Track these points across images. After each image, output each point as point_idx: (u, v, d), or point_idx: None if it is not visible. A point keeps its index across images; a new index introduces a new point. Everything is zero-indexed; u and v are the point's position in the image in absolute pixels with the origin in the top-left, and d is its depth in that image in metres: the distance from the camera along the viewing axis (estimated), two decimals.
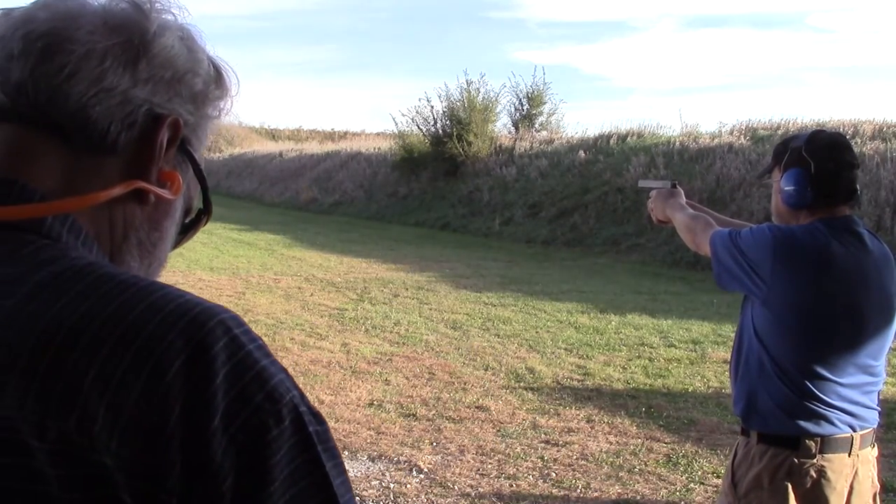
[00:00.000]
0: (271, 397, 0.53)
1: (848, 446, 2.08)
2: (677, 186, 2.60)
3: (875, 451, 2.19)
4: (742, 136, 15.87)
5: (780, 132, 15.52)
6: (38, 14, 0.62)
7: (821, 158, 2.07)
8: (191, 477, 0.50)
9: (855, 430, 2.09)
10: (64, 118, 0.60)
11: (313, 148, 30.73)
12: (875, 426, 2.16)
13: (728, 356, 7.30)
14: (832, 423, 2.06)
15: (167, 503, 0.49)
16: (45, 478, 0.48)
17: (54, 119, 0.60)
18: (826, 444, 2.06)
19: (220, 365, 0.52)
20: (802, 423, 2.05)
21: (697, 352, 6.87)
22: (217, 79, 0.69)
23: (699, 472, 4.26)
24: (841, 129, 13.56)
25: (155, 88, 0.64)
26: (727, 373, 6.03)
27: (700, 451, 4.55)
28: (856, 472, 2.10)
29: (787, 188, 2.11)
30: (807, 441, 2.06)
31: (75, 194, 0.60)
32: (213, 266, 11.65)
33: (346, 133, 42.41)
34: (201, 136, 0.69)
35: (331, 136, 41.17)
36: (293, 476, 0.53)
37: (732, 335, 7.72)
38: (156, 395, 0.50)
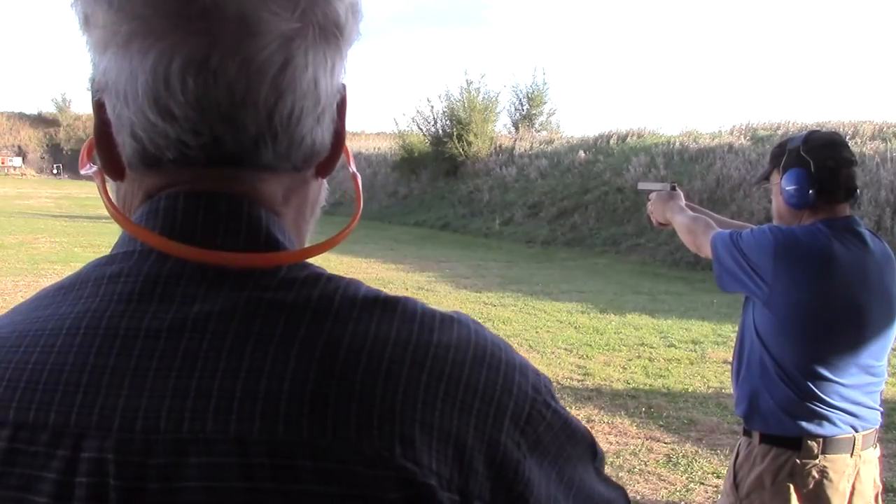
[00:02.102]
0: (536, 388, 0.57)
1: (850, 447, 2.07)
2: (677, 188, 2.59)
3: (877, 452, 2.19)
4: (742, 136, 15.89)
5: (780, 132, 15.53)
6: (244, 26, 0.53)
7: (819, 157, 2.07)
8: (496, 479, 0.52)
9: (857, 431, 2.08)
10: (299, 160, 0.57)
11: None
12: (877, 426, 2.16)
13: (728, 356, 7.30)
14: (834, 424, 2.05)
15: None
16: (391, 503, 0.48)
17: (293, 163, 0.57)
18: (828, 444, 2.06)
19: (494, 372, 0.54)
20: (804, 423, 2.05)
21: (697, 352, 6.87)
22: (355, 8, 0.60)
23: (699, 472, 4.26)
24: (841, 130, 13.57)
25: (342, 64, 0.59)
26: (727, 373, 6.06)
27: (700, 451, 4.55)
28: (858, 473, 2.10)
29: (788, 188, 2.10)
30: (809, 442, 2.05)
31: (294, 209, 0.59)
32: None
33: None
34: None
35: None
36: (569, 438, 0.58)
37: (732, 335, 7.73)
38: (455, 410, 0.51)
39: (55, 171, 44.73)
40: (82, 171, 0.64)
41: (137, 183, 0.57)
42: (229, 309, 0.52)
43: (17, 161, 45.14)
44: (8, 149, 46.80)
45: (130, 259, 0.55)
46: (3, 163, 44.18)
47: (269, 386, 0.49)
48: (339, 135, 0.60)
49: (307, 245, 0.62)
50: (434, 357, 0.53)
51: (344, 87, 0.59)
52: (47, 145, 48.10)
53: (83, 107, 48.52)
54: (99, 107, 0.55)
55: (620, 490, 0.65)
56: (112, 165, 0.57)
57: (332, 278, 0.56)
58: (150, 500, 0.48)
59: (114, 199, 0.59)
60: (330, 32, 0.55)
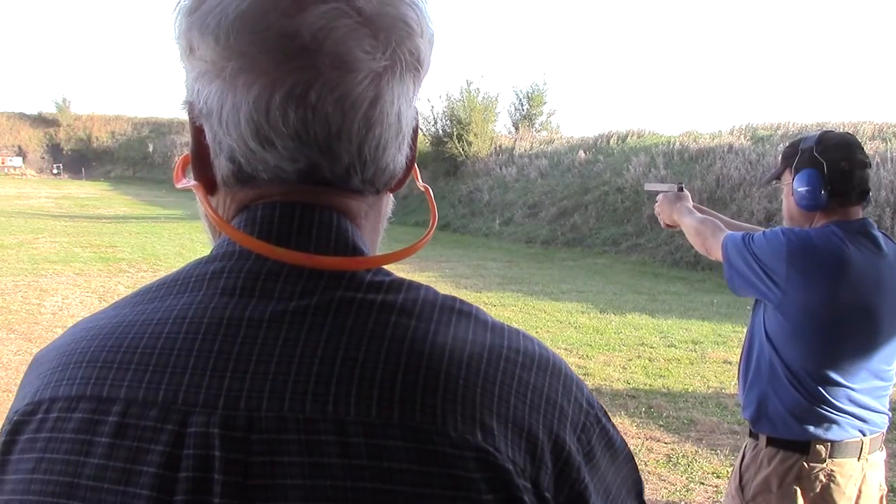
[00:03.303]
0: (590, 402, 0.62)
1: (858, 451, 2.06)
2: (684, 189, 2.56)
3: (884, 455, 2.18)
4: (742, 136, 15.88)
5: (780, 132, 15.53)
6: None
7: (833, 158, 2.04)
8: (559, 476, 0.57)
9: (865, 435, 2.07)
10: (381, 185, 0.63)
11: None
12: (884, 430, 2.15)
13: (728, 356, 7.31)
14: (843, 428, 2.04)
15: (549, 500, 0.56)
16: (475, 482, 0.53)
17: (376, 187, 0.63)
18: (836, 448, 2.04)
19: (557, 381, 0.60)
20: (813, 428, 2.04)
21: (697, 352, 6.87)
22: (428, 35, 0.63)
23: (699, 472, 4.26)
24: (840, 130, 13.55)
25: (418, 92, 0.63)
26: (727, 373, 6.08)
27: (700, 451, 4.55)
28: (864, 476, 2.09)
29: (800, 189, 2.07)
30: (817, 446, 2.04)
31: (371, 222, 0.65)
32: None
33: None
34: None
35: None
36: (605, 450, 0.62)
37: (732, 335, 7.72)
38: (526, 408, 0.57)
39: (55, 171, 44.70)
40: (178, 186, 0.69)
41: (231, 196, 0.62)
42: (325, 305, 0.57)
43: (17, 161, 45.11)
44: (8, 149, 46.75)
45: (231, 258, 0.60)
46: (3, 163, 44.14)
47: (362, 373, 0.55)
48: (412, 156, 0.65)
49: (379, 252, 0.68)
50: (506, 359, 0.58)
51: (417, 111, 0.65)
52: (47, 145, 48.05)
53: (83, 107, 48.55)
54: (198, 131, 0.61)
55: None
56: (207, 182, 0.62)
57: (412, 284, 0.62)
58: (254, 473, 0.52)
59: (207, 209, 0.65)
60: (413, 67, 0.61)
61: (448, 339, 0.57)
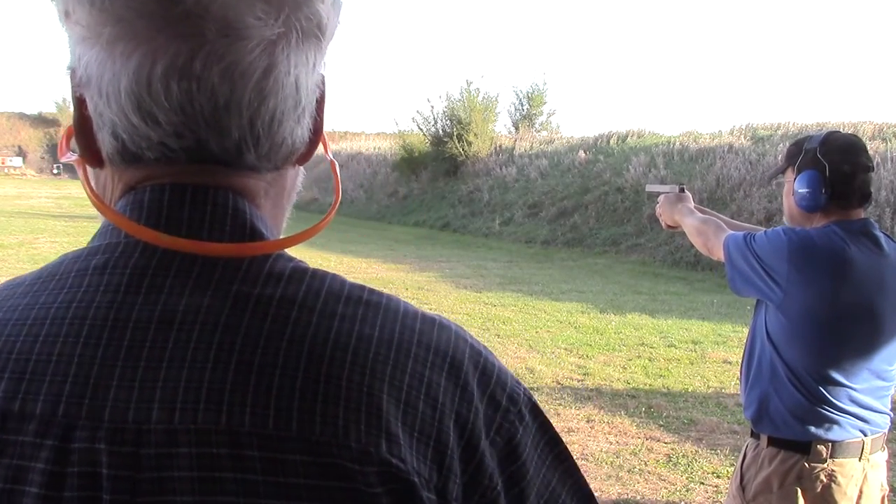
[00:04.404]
0: (512, 398, 0.57)
1: (859, 451, 2.06)
2: (685, 190, 2.56)
3: (885, 455, 2.17)
4: (742, 136, 15.88)
5: (780, 132, 15.53)
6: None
7: (836, 161, 2.03)
8: (468, 483, 0.54)
9: (866, 435, 2.07)
10: (279, 160, 0.58)
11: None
12: (886, 430, 2.14)
13: (728, 356, 7.30)
14: (844, 428, 2.04)
15: None
16: (377, 497, 0.50)
17: (274, 164, 0.58)
18: (837, 448, 2.04)
19: (471, 378, 0.56)
20: (814, 427, 2.04)
21: (697, 352, 6.87)
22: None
23: (699, 472, 4.26)
24: (840, 130, 13.54)
25: (321, 60, 0.58)
26: (727, 373, 6.08)
27: (700, 451, 4.55)
28: (865, 477, 2.09)
29: (800, 190, 2.07)
30: (818, 446, 2.04)
31: (272, 200, 0.60)
32: None
33: (346, 133, 42.50)
34: None
35: (331, 136, 41.22)
36: (541, 457, 0.58)
37: (732, 335, 7.71)
38: (436, 413, 0.53)
39: (55, 171, 44.69)
40: (62, 159, 0.63)
41: (118, 175, 0.57)
42: (219, 302, 0.53)
43: (18, 161, 45.11)
44: (8, 149, 46.75)
45: (116, 250, 0.55)
46: (3, 163, 44.16)
47: (258, 380, 0.50)
48: (317, 128, 0.60)
49: (283, 235, 0.63)
50: (415, 359, 0.54)
51: (323, 80, 0.59)
52: (47, 145, 48.04)
53: None
54: (80, 102, 0.55)
55: None
56: (92, 155, 0.57)
57: (316, 273, 0.57)
58: (143, 489, 0.48)
59: (94, 186, 0.59)
60: (312, 34, 0.56)
61: (352, 339, 0.53)
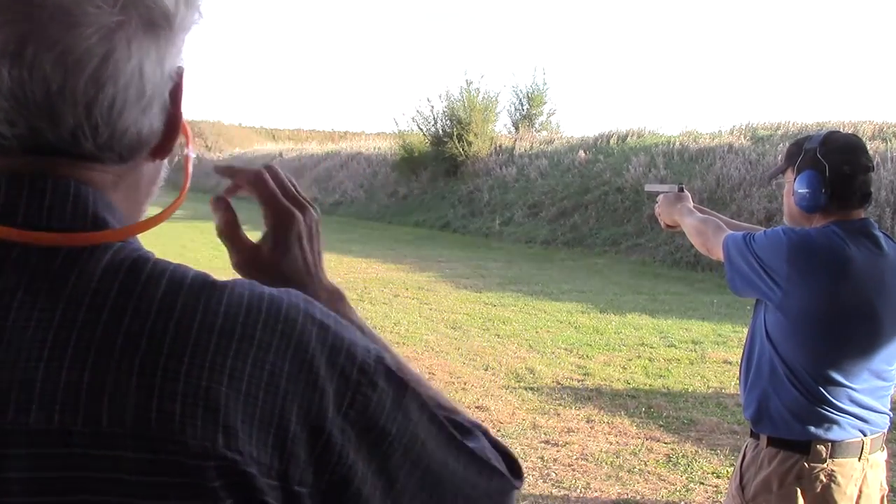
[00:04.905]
0: (363, 370, 0.57)
1: (858, 451, 2.06)
2: (684, 190, 2.56)
3: (884, 455, 2.18)
4: (742, 136, 15.87)
5: (779, 132, 15.52)
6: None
7: (836, 161, 2.03)
8: (317, 463, 0.54)
9: (865, 435, 2.07)
10: (123, 150, 0.57)
11: (313, 148, 30.71)
12: (885, 430, 2.15)
13: (728, 356, 7.29)
14: (843, 428, 2.04)
15: (300, 494, 0.53)
16: (214, 490, 0.50)
17: (118, 153, 0.57)
18: (837, 448, 2.04)
19: (318, 357, 0.55)
20: (814, 428, 2.04)
21: (697, 352, 6.86)
22: None
23: (699, 472, 4.26)
24: (840, 130, 13.54)
25: (174, 52, 0.58)
26: (727, 373, 6.07)
27: (700, 451, 4.55)
28: (865, 477, 2.09)
29: (800, 191, 2.07)
30: (818, 446, 2.04)
31: (124, 192, 0.59)
32: (212, 266, 11.60)
33: (346, 133, 42.53)
34: None
35: (331, 136, 41.26)
36: (405, 417, 0.58)
37: (732, 335, 7.69)
38: (277, 399, 0.53)
39: None
40: None
41: None
42: (53, 295, 0.52)
43: None
44: None
45: None
46: None
47: (92, 377, 0.50)
48: (172, 120, 0.59)
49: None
50: (258, 347, 0.53)
51: (179, 72, 0.59)
52: None
53: None
54: None
55: (480, 441, 0.65)
56: None
57: (158, 263, 0.56)
58: None
59: None
60: (157, 23, 0.55)
61: (192, 332, 0.52)
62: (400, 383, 0.59)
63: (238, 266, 0.72)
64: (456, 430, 0.63)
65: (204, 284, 0.55)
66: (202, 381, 0.51)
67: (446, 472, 0.61)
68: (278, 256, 0.71)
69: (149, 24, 0.54)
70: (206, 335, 0.52)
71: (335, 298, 0.72)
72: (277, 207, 0.70)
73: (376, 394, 0.57)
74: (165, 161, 0.63)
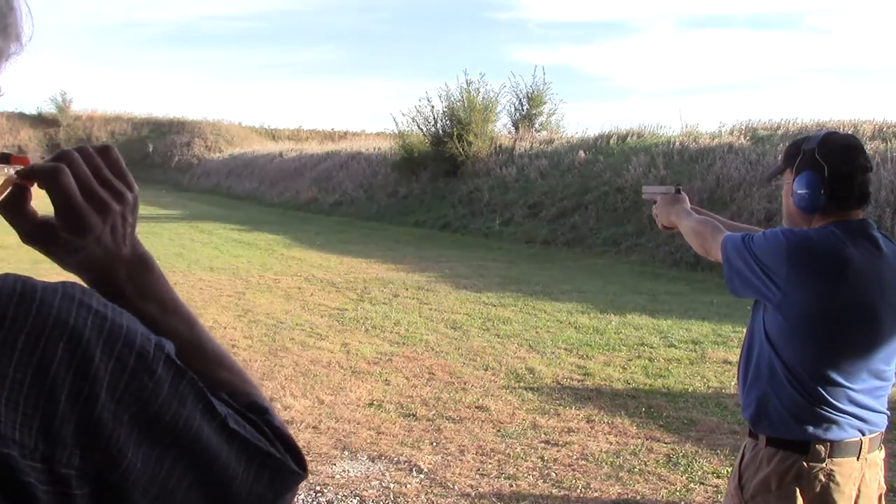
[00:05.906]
0: (140, 356, 0.59)
1: (857, 450, 2.06)
2: (681, 191, 2.56)
3: (882, 454, 2.18)
4: (742, 136, 15.87)
5: (779, 132, 15.53)
6: None
7: (834, 162, 2.03)
8: (86, 448, 0.56)
9: (864, 434, 2.07)
10: None
11: (313, 148, 30.73)
12: (883, 429, 2.15)
13: (728, 356, 7.28)
14: (842, 428, 2.04)
15: (67, 475, 0.55)
16: None
17: None
18: (835, 448, 2.04)
19: (94, 344, 0.57)
20: (812, 428, 2.04)
21: (697, 352, 6.87)
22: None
23: (699, 472, 4.26)
24: (840, 129, 13.54)
25: None
26: (727, 373, 6.07)
27: (700, 451, 4.55)
28: (863, 476, 2.09)
29: (799, 191, 2.07)
30: (816, 446, 2.04)
31: None
32: (213, 266, 11.65)
33: (346, 133, 42.48)
34: None
35: (331, 136, 41.21)
36: (180, 404, 0.61)
37: (732, 335, 7.68)
38: (45, 385, 0.54)
39: None
40: None
41: None
42: None
43: None
44: (8, 148, 46.73)
45: None
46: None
47: None
48: None
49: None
50: (29, 333, 0.55)
51: None
52: (47, 145, 48.04)
53: (83, 106, 48.43)
54: None
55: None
56: None
57: None
58: None
59: None
60: None
61: None
62: (178, 371, 0.61)
63: (27, 239, 0.74)
64: (252, 412, 0.67)
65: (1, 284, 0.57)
66: None
67: (218, 460, 0.63)
68: (69, 236, 0.72)
69: None
70: None
71: (137, 270, 0.73)
72: (70, 212, 0.70)
73: (153, 381, 0.59)
74: None
